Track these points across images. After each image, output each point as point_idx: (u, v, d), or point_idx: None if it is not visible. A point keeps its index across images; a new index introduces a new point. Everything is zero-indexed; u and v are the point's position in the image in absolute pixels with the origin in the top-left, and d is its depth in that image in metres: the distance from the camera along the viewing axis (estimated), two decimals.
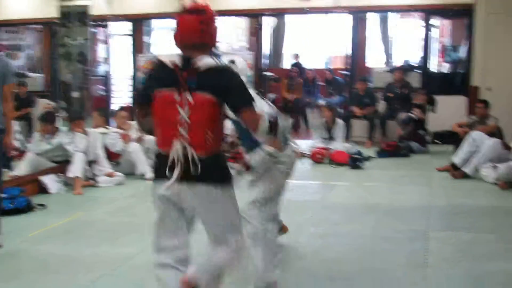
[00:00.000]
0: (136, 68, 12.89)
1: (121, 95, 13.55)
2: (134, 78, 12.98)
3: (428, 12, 11.86)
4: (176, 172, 3.10)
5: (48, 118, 8.13)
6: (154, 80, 3.21)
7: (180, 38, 3.17)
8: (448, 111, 10.59)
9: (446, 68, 13.81)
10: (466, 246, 5.18)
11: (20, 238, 5.58)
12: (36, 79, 12.67)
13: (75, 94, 9.14)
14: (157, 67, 3.23)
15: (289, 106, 13.15)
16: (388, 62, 14.97)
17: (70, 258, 5.00)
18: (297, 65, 15.87)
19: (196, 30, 3.13)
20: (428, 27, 12.17)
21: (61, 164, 7.90)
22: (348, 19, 12.28)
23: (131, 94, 13.19)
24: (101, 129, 8.69)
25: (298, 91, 14.25)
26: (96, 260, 4.93)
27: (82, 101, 9.20)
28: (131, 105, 12.77)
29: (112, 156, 8.51)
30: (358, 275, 4.49)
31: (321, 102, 12.94)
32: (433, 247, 5.15)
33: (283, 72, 15.91)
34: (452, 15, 12.09)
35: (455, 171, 8.09)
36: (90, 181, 7.86)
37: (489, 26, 10.72)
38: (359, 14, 12.17)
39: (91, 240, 5.54)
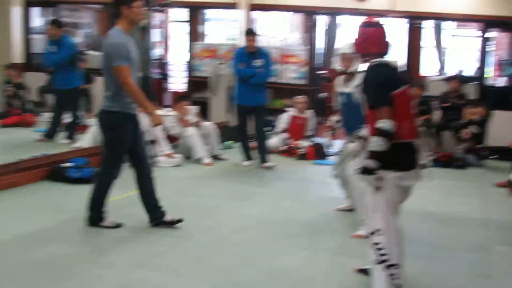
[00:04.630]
0: (191, 55, 13.01)
1: (177, 80, 13.66)
2: (190, 64, 13.12)
3: (486, 23, 11.58)
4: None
5: None
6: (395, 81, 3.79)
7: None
8: (507, 126, 10.31)
9: (502, 82, 13.55)
10: None
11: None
12: (95, 57, 12.79)
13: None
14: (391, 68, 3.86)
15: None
16: (441, 71, 14.74)
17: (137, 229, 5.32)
18: None
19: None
20: (485, 39, 11.89)
21: None
22: (403, 24, 12.14)
23: (186, 79, 13.31)
24: (160, 111, 8.76)
25: None
26: (160, 234, 5.25)
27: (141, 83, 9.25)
28: (186, 90, 12.91)
29: (170, 139, 8.62)
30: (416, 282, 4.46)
31: None
32: (494, 260, 5.09)
33: (336, 72, 15.77)
34: (511, 28, 11.72)
35: None
36: None
37: None
38: (414, 20, 11.99)
39: None
